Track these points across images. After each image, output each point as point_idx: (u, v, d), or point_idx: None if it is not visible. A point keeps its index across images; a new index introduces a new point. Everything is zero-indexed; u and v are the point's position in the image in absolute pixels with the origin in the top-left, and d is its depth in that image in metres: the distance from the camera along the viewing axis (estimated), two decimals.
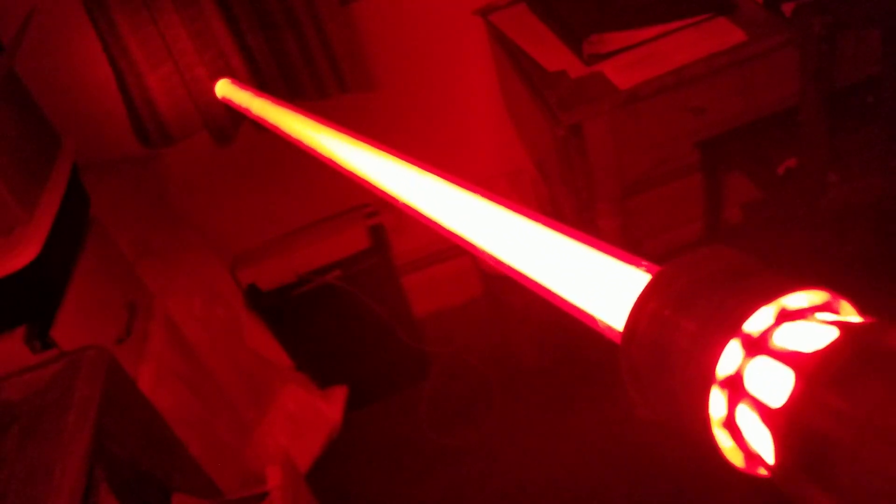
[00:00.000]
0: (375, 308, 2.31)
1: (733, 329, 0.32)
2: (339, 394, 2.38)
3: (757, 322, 0.32)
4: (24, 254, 1.41)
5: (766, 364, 0.32)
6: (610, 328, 0.42)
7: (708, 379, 0.32)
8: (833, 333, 0.30)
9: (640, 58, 1.65)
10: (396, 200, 0.71)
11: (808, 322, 0.32)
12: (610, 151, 1.68)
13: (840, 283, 0.35)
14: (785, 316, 0.32)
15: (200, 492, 1.55)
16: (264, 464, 1.79)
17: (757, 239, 2.39)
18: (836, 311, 0.33)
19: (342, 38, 2.06)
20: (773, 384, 0.31)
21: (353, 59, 2.10)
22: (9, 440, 1.19)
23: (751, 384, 0.32)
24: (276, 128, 0.98)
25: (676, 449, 1.85)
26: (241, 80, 2.05)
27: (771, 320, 0.32)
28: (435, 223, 0.64)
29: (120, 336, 1.66)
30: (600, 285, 0.43)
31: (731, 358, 0.32)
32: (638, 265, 0.41)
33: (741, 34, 1.61)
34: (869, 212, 1.81)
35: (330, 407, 2.34)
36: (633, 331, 0.36)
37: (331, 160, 0.83)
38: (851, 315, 0.33)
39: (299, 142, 0.90)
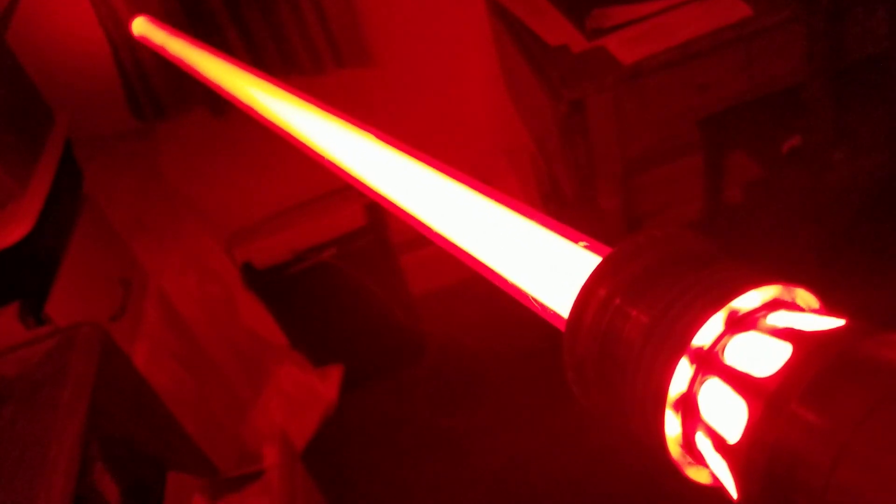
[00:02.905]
0: (371, 287, 2.30)
1: (681, 347, 0.29)
2: (335, 373, 2.36)
3: (706, 333, 0.30)
4: (17, 229, 1.40)
5: (719, 388, 0.29)
6: (551, 312, 0.39)
7: (660, 402, 0.30)
8: (786, 352, 0.28)
9: (643, 32, 1.63)
10: (298, 141, 0.67)
11: (760, 334, 0.29)
12: (612, 128, 1.66)
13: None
14: (734, 323, 0.30)
15: (196, 470, 1.55)
16: (260, 442, 1.78)
17: (758, 219, 2.37)
18: (791, 306, 0.30)
19: (338, 11, 2.03)
20: (728, 413, 0.29)
21: (350, 33, 2.07)
22: (3, 416, 1.17)
23: (705, 410, 0.30)
24: (194, 70, 0.93)
25: None
26: (236, 54, 2.02)
27: (721, 327, 0.30)
28: (360, 182, 0.58)
29: (114, 313, 1.64)
30: (541, 264, 0.40)
31: (682, 375, 0.30)
32: (576, 241, 0.38)
33: (747, 9, 1.59)
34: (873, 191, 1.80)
35: (325, 386, 2.32)
36: (579, 319, 0.33)
37: (249, 107, 0.79)
38: (810, 302, 0.31)
39: (217, 86, 0.86)
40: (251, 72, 0.80)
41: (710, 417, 0.30)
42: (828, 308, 0.31)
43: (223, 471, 1.63)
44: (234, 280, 2.25)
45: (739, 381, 0.28)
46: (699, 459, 0.31)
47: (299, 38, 2.05)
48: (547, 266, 0.39)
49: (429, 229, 0.50)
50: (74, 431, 1.12)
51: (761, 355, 0.28)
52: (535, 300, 0.39)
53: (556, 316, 0.38)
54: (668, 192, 2.41)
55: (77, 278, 1.55)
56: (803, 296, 0.31)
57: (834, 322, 0.28)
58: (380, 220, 2.34)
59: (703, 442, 0.30)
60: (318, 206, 2.32)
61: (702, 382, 0.30)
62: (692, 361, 0.30)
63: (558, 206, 2.42)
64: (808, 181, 1.65)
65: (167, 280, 1.95)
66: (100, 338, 1.31)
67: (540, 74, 1.72)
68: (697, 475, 0.32)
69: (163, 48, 1.05)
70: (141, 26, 1.16)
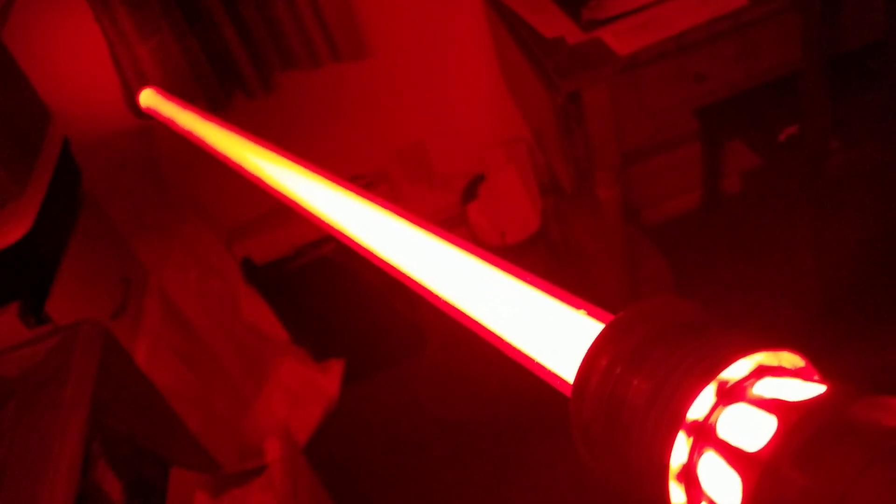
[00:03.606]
0: (372, 280, 2.30)
1: (677, 423, 0.31)
2: (337, 367, 2.37)
3: (700, 405, 0.31)
4: (16, 229, 1.40)
5: (715, 461, 0.31)
6: (552, 374, 0.41)
7: (663, 477, 0.32)
8: (772, 424, 0.29)
9: (639, 23, 1.63)
10: (324, 223, 0.67)
11: (748, 406, 0.31)
12: (609, 119, 1.66)
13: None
14: (725, 394, 0.31)
15: (199, 466, 1.55)
16: (262, 437, 1.79)
17: (756, 208, 2.38)
18: (777, 371, 0.32)
19: (334, 5, 2.03)
20: (725, 485, 0.30)
21: (346, 26, 2.07)
22: (5, 415, 1.18)
23: (705, 482, 0.31)
24: (203, 142, 0.93)
25: None
26: (232, 49, 2.02)
27: (713, 399, 0.31)
28: (373, 255, 0.61)
29: (115, 311, 1.65)
30: (542, 330, 0.42)
31: (680, 447, 0.32)
32: (577, 307, 0.40)
33: None
34: (871, 182, 1.80)
35: (327, 380, 2.33)
36: (584, 386, 0.35)
37: (261, 180, 0.79)
38: (795, 363, 0.32)
39: (227, 158, 0.86)
40: (261, 144, 0.81)
41: (709, 489, 0.31)
42: (814, 367, 0.32)
43: (225, 466, 1.64)
44: (234, 276, 2.26)
45: (733, 455, 0.30)
46: None
47: (295, 33, 2.05)
48: (550, 333, 0.42)
49: (439, 298, 0.52)
50: (76, 430, 1.13)
51: (750, 428, 0.30)
52: (546, 367, 0.42)
53: (561, 381, 0.41)
54: (666, 182, 2.41)
55: (77, 277, 1.56)
56: (788, 358, 0.32)
57: (816, 389, 0.30)
58: None
59: None
60: None
61: (700, 454, 0.32)
62: (689, 434, 0.31)
63: (557, 198, 2.42)
64: (805, 169, 1.65)
65: (167, 277, 1.95)
66: (101, 336, 1.32)
67: (536, 66, 1.72)
68: None
69: (172, 121, 1.04)
70: (149, 98, 1.16)
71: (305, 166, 0.72)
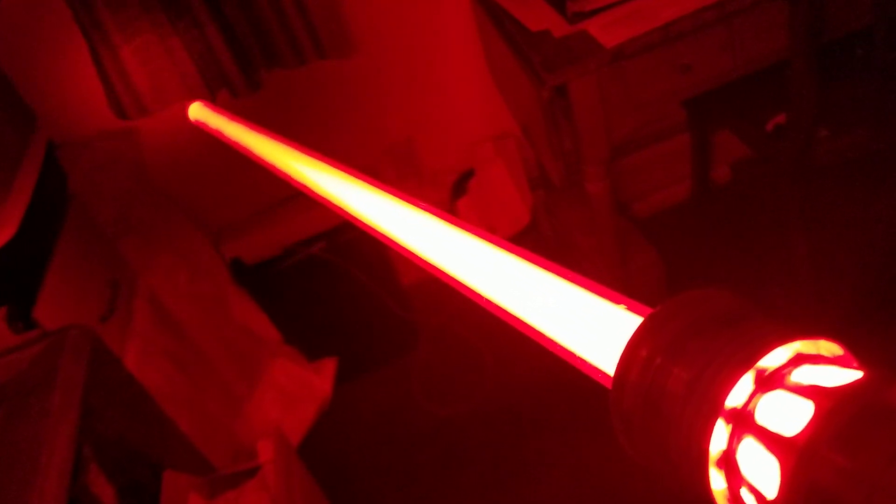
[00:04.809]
0: (363, 278, 2.29)
1: (716, 410, 0.32)
2: (329, 366, 2.36)
3: (739, 392, 0.32)
4: (0, 234, 1.39)
5: (754, 447, 0.31)
6: (593, 367, 0.42)
7: (703, 464, 0.32)
8: (810, 410, 0.30)
9: (625, 15, 1.62)
10: (372, 229, 0.70)
11: (786, 393, 0.31)
12: (597, 112, 1.66)
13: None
14: (763, 382, 0.32)
15: (192, 468, 1.54)
16: (256, 438, 1.78)
17: (747, 197, 2.38)
18: (815, 358, 0.32)
19: (319, 2, 2.02)
20: (765, 470, 0.31)
21: (331, 23, 2.06)
22: None
23: (745, 467, 0.32)
24: (250, 152, 0.98)
25: None
26: (216, 48, 2.01)
27: (751, 386, 0.32)
28: (422, 259, 0.63)
29: (103, 314, 1.63)
30: (583, 324, 0.44)
31: (720, 434, 0.32)
32: (617, 302, 0.42)
33: None
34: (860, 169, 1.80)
35: (320, 379, 2.32)
36: (625, 376, 0.36)
37: (306, 187, 0.82)
38: (834, 351, 0.33)
39: (272, 166, 0.91)
40: (305, 152, 0.84)
41: (749, 475, 0.32)
42: (852, 355, 0.33)
43: (219, 468, 1.63)
44: (224, 277, 2.25)
45: (771, 441, 0.31)
46: None
47: (280, 31, 2.04)
48: (591, 327, 0.43)
49: (482, 297, 0.54)
50: (66, 435, 1.12)
51: (788, 414, 0.31)
52: (585, 359, 0.44)
53: (601, 373, 0.42)
54: (655, 174, 2.41)
55: (64, 281, 1.55)
56: (826, 346, 0.33)
57: (854, 375, 0.30)
58: None
59: (747, 496, 0.32)
60: (306, 200, 2.31)
61: (739, 441, 0.32)
62: (728, 421, 0.32)
63: (547, 192, 2.42)
64: (794, 158, 1.65)
65: (156, 279, 1.94)
66: (89, 340, 1.31)
67: (523, 60, 1.71)
68: None
69: (219, 132, 1.09)
70: (197, 111, 1.22)
71: (348, 172, 0.74)
